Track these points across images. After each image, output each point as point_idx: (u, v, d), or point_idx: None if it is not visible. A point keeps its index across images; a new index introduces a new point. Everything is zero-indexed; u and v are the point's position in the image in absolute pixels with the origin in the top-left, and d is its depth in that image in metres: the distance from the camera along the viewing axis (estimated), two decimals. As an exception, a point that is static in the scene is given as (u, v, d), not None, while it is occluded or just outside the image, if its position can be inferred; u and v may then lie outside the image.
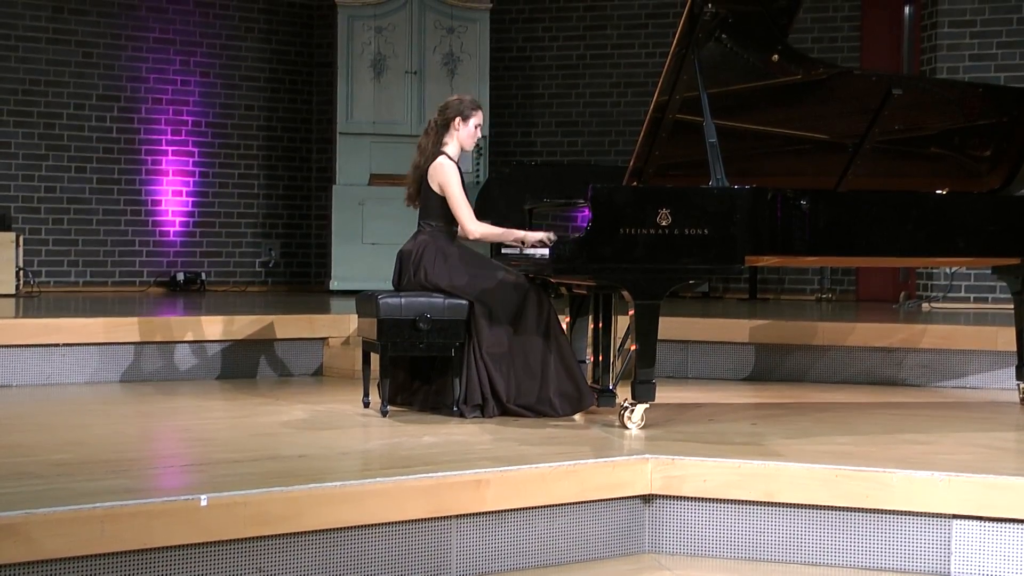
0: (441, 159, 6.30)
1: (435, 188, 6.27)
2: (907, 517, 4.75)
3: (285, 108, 13.21)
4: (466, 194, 6.29)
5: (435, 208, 6.31)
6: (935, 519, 4.73)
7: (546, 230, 6.33)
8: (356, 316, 6.61)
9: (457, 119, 6.33)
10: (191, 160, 12.63)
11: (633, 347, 5.79)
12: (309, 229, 13.37)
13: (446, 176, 6.24)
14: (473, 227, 6.24)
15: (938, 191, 6.52)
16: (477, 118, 6.38)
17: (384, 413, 6.18)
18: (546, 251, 6.01)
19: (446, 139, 6.35)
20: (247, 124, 12.97)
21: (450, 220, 6.29)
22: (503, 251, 6.57)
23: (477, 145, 6.59)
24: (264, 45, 13.08)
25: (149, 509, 4.00)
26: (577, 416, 6.14)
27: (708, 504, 4.95)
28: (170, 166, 12.51)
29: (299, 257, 13.34)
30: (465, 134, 6.36)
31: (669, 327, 7.24)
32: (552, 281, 6.28)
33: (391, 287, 6.43)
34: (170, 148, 12.51)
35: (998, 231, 6.32)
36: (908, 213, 6.15)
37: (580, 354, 6.50)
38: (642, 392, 5.76)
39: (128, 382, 7.69)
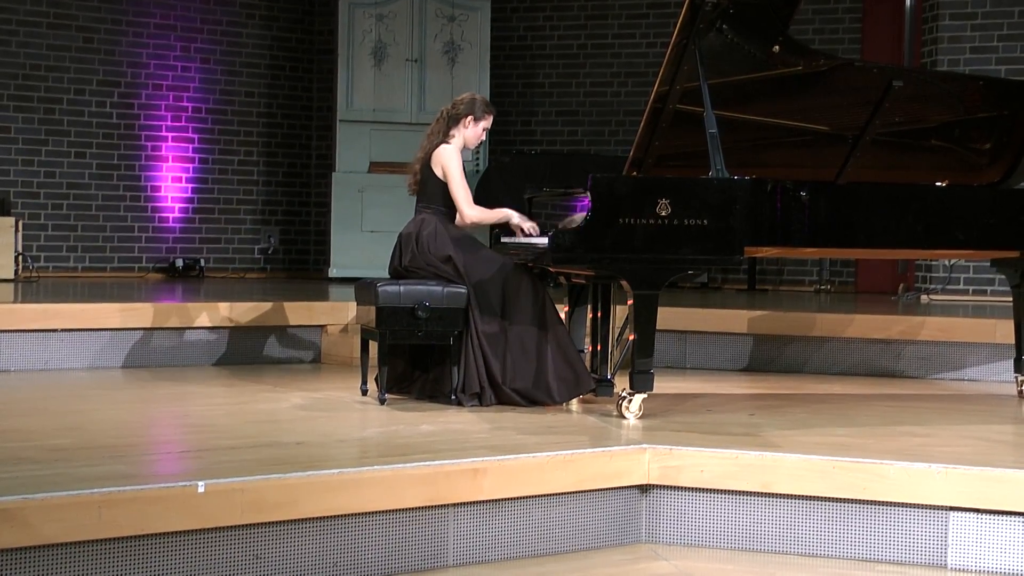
0: (446, 145, 6.37)
1: (438, 172, 6.33)
2: (904, 509, 4.75)
3: (285, 95, 13.20)
4: (467, 182, 6.36)
5: (435, 192, 6.37)
6: (932, 511, 4.73)
7: (535, 222, 6.43)
8: (355, 304, 6.61)
9: (469, 117, 6.42)
10: (191, 146, 12.62)
11: (631, 337, 5.79)
12: (308, 216, 13.37)
13: (449, 160, 6.31)
14: (469, 211, 6.31)
15: (938, 183, 6.52)
16: (487, 122, 6.48)
17: (382, 401, 6.18)
18: (544, 240, 6.02)
19: (453, 132, 6.43)
20: (247, 111, 12.96)
21: (449, 204, 6.35)
22: (502, 239, 6.58)
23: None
24: (265, 32, 13.06)
25: (146, 495, 4.00)
26: (575, 406, 6.15)
27: (705, 494, 4.96)
28: (170, 152, 12.50)
29: (298, 244, 13.34)
30: (472, 134, 6.44)
31: (668, 317, 7.25)
32: (551, 271, 6.29)
33: (387, 272, 6.46)
34: (170, 134, 12.50)
35: (997, 224, 6.32)
36: (908, 205, 6.15)
37: (579, 344, 6.51)
38: (640, 382, 5.76)
39: (126, 368, 7.70)
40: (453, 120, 6.43)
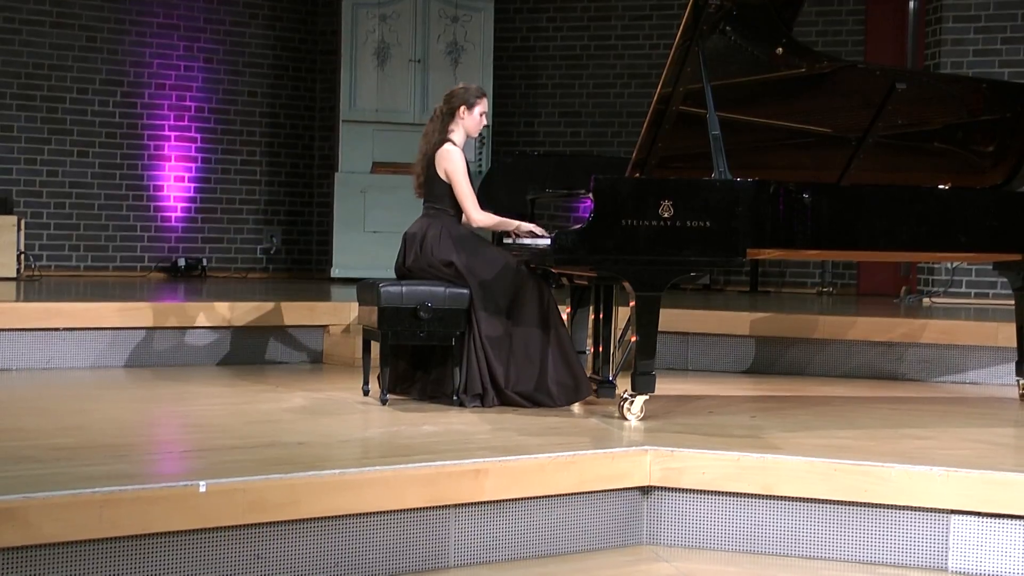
0: (447, 146, 6.33)
1: (441, 175, 6.30)
2: (905, 512, 4.75)
3: (288, 95, 13.20)
4: (471, 181, 6.33)
5: (442, 193, 6.35)
6: (933, 514, 4.73)
7: (538, 223, 6.41)
8: (357, 304, 6.61)
9: (462, 108, 6.37)
10: (194, 146, 12.63)
11: (633, 338, 5.79)
12: (311, 216, 13.37)
13: (452, 164, 6.28)
14: (477, 215, 6.30)
15: (941, 186, 6.52)
16: (482, 106, 6.42)
17: (384, 401, 6.18)
18: (546, 241, 6.02)
19: (452, 127, 6.39)
20: (250, 111, 12.96)
21: (456, 204, 6.33)
22: (504, 240, 6.58)
23: (480, 134, 6.66)
24: (268, 32, 13.07)
25: (148, 495, 4.00)
26: (576, 407, 6.15)
27: (706, 496, 4.95)
28: (172, 152, 12.51)
29: (300, 244, 13.34)
30: (471, 122, 6.40)
31: (670, 319, 7.24)
32: (553, 272, 6.29)
33: (393, 273, 6.45)
34: (173, 134, 12.50)
35: (1000, 227, 6.32)
36: (910, 208, 6.15)
37: (580, 345, 6.51)
38: (642, 384, 5.76)
39: (128, 367, 7.70)
40: (448, 115, 6.39)
